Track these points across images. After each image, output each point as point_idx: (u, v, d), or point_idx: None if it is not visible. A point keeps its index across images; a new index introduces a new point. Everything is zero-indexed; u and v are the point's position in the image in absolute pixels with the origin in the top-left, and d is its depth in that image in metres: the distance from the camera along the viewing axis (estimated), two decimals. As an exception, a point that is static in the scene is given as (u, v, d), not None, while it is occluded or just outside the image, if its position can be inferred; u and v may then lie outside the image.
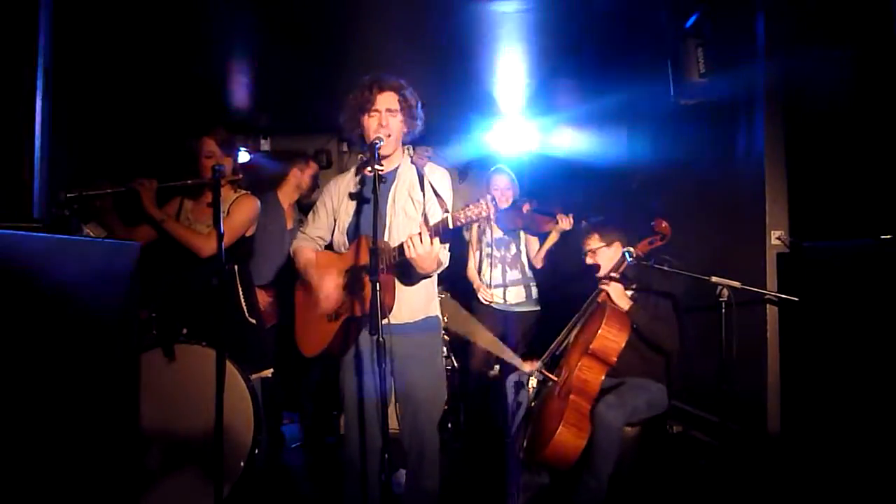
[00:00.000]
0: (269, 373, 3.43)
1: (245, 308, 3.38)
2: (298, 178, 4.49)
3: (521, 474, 3.27)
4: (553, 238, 4.41)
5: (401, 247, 2.46)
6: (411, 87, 2.75)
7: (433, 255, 2.42)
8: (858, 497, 2.70)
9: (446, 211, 2.42)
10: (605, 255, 3.45)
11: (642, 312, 3.25)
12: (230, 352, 3.03)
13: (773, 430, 3.31)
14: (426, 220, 2.56)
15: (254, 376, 3.25)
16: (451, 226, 2.35)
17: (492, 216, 2.32)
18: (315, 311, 2.80)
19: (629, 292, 3.35)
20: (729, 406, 3.20)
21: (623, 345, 3.12)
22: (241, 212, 3.32)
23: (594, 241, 3.48)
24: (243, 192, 3.41)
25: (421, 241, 2.37)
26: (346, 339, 2.74)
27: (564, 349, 3.37)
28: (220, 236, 2.61)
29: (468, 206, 2.33)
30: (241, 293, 3.38)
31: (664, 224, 3.23)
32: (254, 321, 3.42)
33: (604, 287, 3.27)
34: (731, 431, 3.27)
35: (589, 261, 3.51)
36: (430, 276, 2.69)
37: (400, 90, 2.70)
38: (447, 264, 2.67)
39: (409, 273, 2.63)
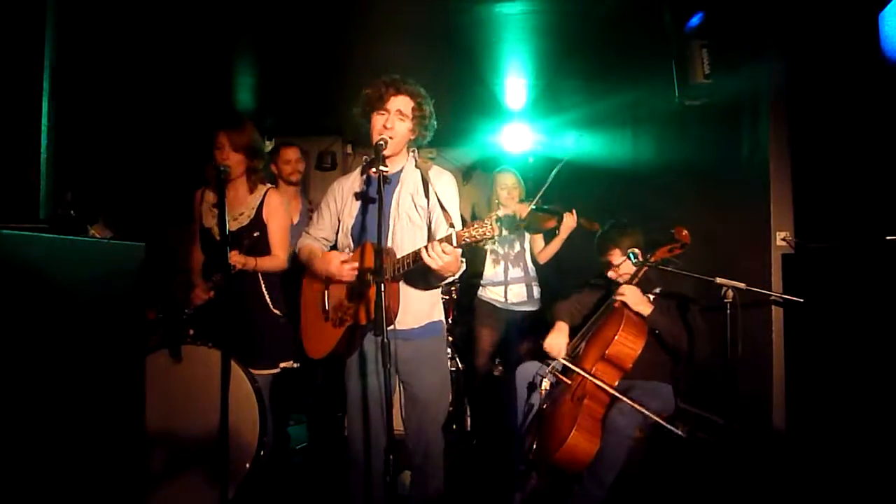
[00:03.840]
0: (291, 363, 3.46)
1: (269, 301, 3.38)
2: (275, 171, 4.41)
3: (527, 475, 3.26)
4: (562, 237, 4.40)
5: (417, 254, 2.45)
6: (429, 98, 2.73)
7: (456, 258, 2.44)
8: (863, 497, 2.69)
9: (451, 226, 2.41)
10: (628, 267, 3.36)
11: (664, 317, 3.20)
12: (254, 345, 3.10)
13: (778, 431, 3.30)
14: (430, 231, 2.58)
15: (281, 365, 3.39)
16: (454, 244, 2.35)
17: (496, 237, 2.32)
18: (320, 314, 2.81)
19: (650, 296, 3.30)
20: (734, 407, 3.19)
21: (640, 352, 3.09)
22: (282, 210, 3.44)
23: (616, 257, 3.38)
24: (266, 187, 3.44)
25: (444, 251, 2.36)
26: (351, 343, 2.75)
27: (578, 352, 3.35)
28: (224, 234, 2.62)
29: (473, 224, 2.32)
30: (263, 286, 3.37)
31: (684, 232, 3.17)
32: (278, 312, 3.41)
33: (619, 298, 3.21)
34: (736, 432, 3.26)
35: (611, 275, 3.41)
36: (454, 275, 2.65)
37: (416, 97, 2.69)
38: (465, 266, 2.66)
39: (431, 277, 2.65)
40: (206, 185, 3.44)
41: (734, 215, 3.72)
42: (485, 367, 4.63)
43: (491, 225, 2.28)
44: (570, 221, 4.32)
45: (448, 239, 2.35)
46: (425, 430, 2.74)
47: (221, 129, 3.29)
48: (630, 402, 2.98)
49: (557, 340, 3.36)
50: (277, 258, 3.36)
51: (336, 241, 2.89)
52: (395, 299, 2.64)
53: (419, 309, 2.75)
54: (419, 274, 2.62)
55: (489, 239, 2.31)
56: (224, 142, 3.27)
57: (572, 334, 3.42)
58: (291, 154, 4.44)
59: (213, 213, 3.34)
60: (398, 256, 2.58)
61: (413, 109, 2.68)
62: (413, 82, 2.71)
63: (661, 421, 2.97)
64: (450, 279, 2.70)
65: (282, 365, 3.41)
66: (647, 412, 2.96)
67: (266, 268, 3.33)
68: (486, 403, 4.67)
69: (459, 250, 2.42)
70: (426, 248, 2.39)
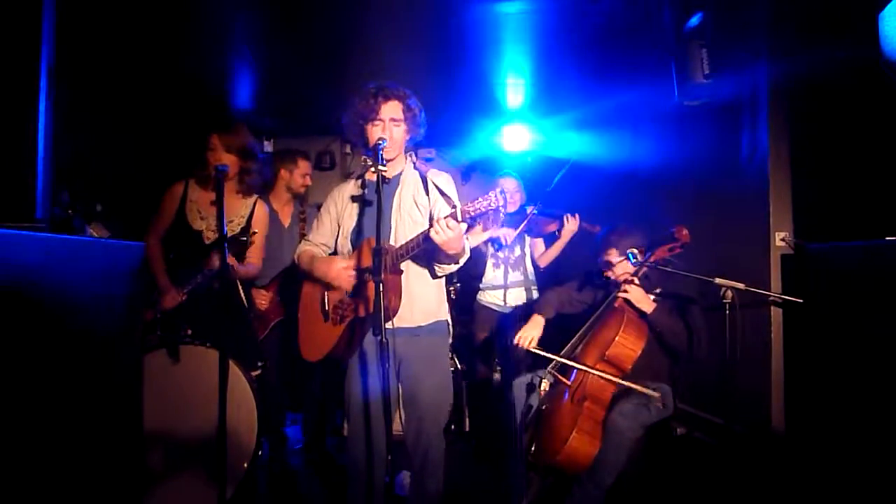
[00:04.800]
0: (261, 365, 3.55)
1: (245, 304, 3.54)
2: (287, 179, 4.33)
3: (526, 476, 3.25)
4: (563, 241, 4.39)
5: (426, 233, 2.46)
6: (415, 95, 2.76)
7: (461, 235, 2.44)
8: (863, 498, 2.69)
9: (454, 206, 2.42)
10: (625, 267, 3.33)
11: (666, 315, 3.20)
12: (234, 348, 3.09)
13: (777, 432, 3.30)
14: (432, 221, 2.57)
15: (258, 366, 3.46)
16: (459, 218, 2.36)
17: (501, 208, 2.32)
18: (319, 315, 2.80)
19: (651, 295, 3.28)
20: (733, 407, 3.18)
21: (639, 353, 3.09)
22: (266, 223, 3.54)
23: (615, 257, 3.35)
24: (252, 198, 3.48)
25: (448, 225, 2.37)
26: (351, 342, 2.74)
27: (577, 352, 3.34)
28: (223, 235, 2.62)
29: (477, 198, 2.34)
30: (240, 289, 3.49)
31: (685, 231, 3.17)
32: (251, 315, 3.63)
33: (623, 294, 3.20)
34: (736, 432, 3.26)
35: (610, 275, 3.38)
36: (458, 262, 2.67)
37: (404, 99, 2.71)
38: (469, 254, 2.67)
39: (436, 259, 2.65)
40: (186, 180, 3.42)
41: (734, 215, 3.72)
42: (484, 370, 4.63)
43: (495, 196, 2.29)
44: (571, 225, 4.31)
45: (453, 214, 2.37)
46: (425, 431, 2.73)
47: (214, 131, 3.30)
48: (635, 386, 2.99)
49: (529, 333, 3.36)
50: (254, 266, 3.47)
51: (336, 246, 2.89)
52: (397, 294, 2.63)
53: (427, 306, 2.75)
54: (424, 257, 2.63)
55: (493, 210, 2.32)
56: (217, 143, 3.27)
57: (561, 326, 3.40)
58: (308, 167, 4.42)
59: (201, 215, 3.35)
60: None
61: (403, 111, 2.70)
62: (396, 84, 2.72)
63: (659, 412, 2.96)
64: (454, 267, 2.70)
65: (259, 365, 3.48)
66: (649, 392, 2.98)
67: (242, 274, 3.42)
68: (485, 405, 4.67)
69: (464, 226, 2.41)
70: (432, 225, 2.41)
